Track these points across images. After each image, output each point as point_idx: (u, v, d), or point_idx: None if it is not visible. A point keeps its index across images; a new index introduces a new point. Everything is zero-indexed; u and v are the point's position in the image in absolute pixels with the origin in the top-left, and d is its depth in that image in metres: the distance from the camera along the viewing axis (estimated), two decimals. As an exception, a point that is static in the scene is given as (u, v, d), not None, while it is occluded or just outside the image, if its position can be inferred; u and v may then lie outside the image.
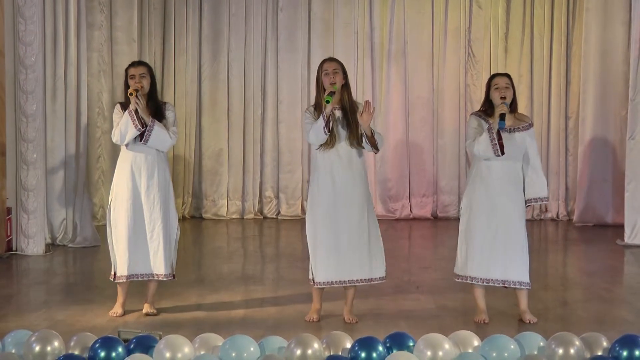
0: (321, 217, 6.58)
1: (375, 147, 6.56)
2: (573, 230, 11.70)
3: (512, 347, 5.02)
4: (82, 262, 9.25)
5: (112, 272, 6.83)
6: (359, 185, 6.61)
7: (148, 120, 6.64)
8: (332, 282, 6.61)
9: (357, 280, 6.62)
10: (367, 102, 6.50)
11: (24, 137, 9.50)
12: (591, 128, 11.88)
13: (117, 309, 6.83)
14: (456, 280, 6.74)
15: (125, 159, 6.79)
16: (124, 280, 6.77)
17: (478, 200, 6.61)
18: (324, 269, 6.59)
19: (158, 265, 6.78)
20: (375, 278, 6.67)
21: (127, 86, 6.74)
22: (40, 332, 5.11)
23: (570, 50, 12.37)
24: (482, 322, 6.63)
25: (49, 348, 5.00)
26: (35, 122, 9.50)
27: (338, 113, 6.55)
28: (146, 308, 6.89)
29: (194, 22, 12.38)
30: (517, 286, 6.62)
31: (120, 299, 6.87)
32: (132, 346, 5.05)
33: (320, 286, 6.63)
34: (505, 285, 6.62)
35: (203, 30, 12.41)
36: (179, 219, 7.04)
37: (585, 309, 7.12)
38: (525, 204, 6.68)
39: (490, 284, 6.62)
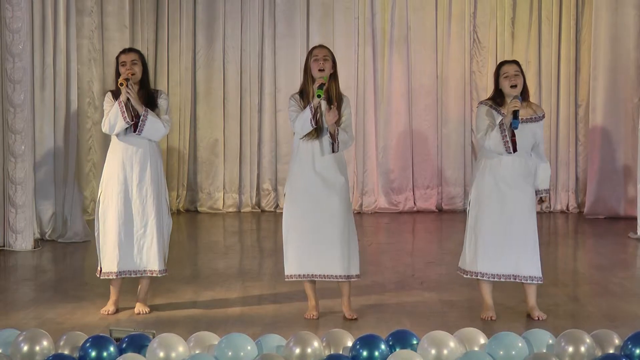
0: (302, 207, 6.51)
1: (334, 145, 6.42)
2: (583, 223, 11.66)
3: (520, 344, 4.99)
4: (72, 257, 9.23)
5: (99, 268, 6.77)
6: (340, 177, 6.54)
7: (141, 109, 6.59)
8: (310, 274, 6.53)
9: (335, 275, 6.52)
10: (334, 107, 6.40)
11: (11, 129, 9.46)
12: (602, 116, 11.88)
13: (109, 306, 6.75)
14: (464, 276, 6.68)
15: (116, 149, 6.72)
16: (114, 277, 6.70)
17: (487, 192, 6.53)
18: (297, 260, 6.53)
19: (152, 261, 6.70)
20: (352, 275, 6.55)
21: (117, 74, 6.70)
22: (28, 331, 5.08)
23: (579, 35, 12.39)
24: (489, 319, 6.54)
25: (37, 348, 4.97)
26: (23, 112, 9.47)
27: (324, 104, 6.51)
28: (138, 307, 6.77)
29: (188, 7, 12.41)
30: (528, 281, 6.53)
31: (113, 296, 6.78)
32: (124, 345, 5.02)
33: (291, 279, 6.57)
34: (517, 280, 6.53)
35: (197, 16, 12.44)
36: (173, 213, 6.89)
37: (596, 305, 7.05)
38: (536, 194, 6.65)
39: (500, 279, 6.54)
